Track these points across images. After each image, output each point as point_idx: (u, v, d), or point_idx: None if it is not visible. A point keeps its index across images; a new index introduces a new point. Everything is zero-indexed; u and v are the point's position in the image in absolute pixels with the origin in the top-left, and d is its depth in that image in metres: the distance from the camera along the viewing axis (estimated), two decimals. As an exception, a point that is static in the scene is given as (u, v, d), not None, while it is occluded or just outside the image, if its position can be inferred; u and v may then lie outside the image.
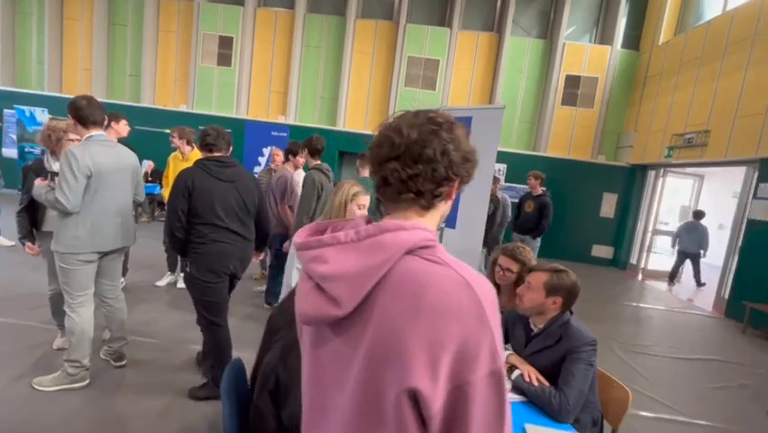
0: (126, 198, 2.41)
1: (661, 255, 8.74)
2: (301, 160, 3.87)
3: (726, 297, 5.90)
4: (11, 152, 8.73)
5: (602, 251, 8.87)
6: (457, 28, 8.93)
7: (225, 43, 9.12)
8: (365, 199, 1.83)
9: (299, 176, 3.82)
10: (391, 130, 0.66)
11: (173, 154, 3.99)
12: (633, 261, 8.51)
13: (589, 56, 8.84)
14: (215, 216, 2.14)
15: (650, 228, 8.27)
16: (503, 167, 8.69)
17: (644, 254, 8.28)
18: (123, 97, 9.20)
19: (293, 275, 2.07)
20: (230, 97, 9.23)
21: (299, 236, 0.69)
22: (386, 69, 9.19)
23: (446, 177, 0.66)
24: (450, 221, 2.82)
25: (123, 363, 2.62)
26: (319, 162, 3.40)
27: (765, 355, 4.43)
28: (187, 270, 2.24)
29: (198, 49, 9.08)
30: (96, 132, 2.24)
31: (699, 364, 3.95)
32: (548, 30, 9.12)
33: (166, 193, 3.86)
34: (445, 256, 0.62)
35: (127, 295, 2.82)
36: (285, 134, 7.95)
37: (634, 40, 8.88)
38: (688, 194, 8.87)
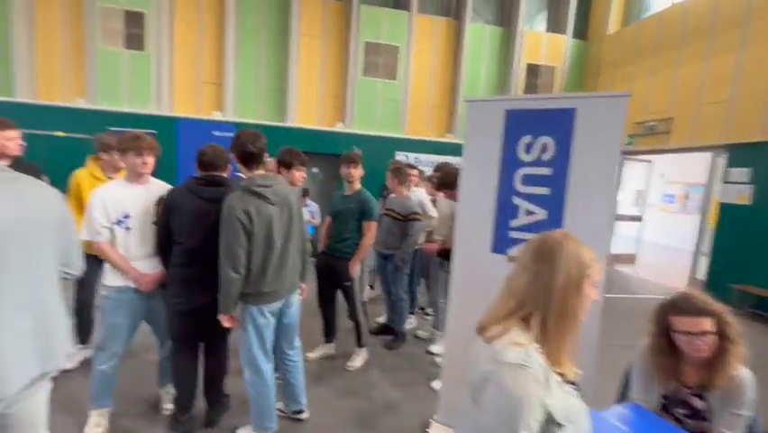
0: (44, 276, 1.19)
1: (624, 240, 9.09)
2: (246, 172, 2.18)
3: (704, 278, 6.16)
4: None
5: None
6: (415, 11, 8.18)
7: (134, 21, 7.18)
8: (599, 270, 0.96)
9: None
10: None
11: (85, 171, 2.59)
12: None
13: (546, 45, 8.78)
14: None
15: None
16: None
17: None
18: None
19: None
20: (144, 88, 7.35)
21: None
22: (339, 56, 8.11)
23: None
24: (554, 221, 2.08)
25: None
26: (252, 176, 2.00)
27: (761, 335, 4.65)
28: None
29: (96, 25, 7.02)
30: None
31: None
32: (503, 16, 8.85)
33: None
34: None
35: None
36: (231, 135, 6.48)
37: (582, 30, 9.03)
38: (640, 179, 9.30)
